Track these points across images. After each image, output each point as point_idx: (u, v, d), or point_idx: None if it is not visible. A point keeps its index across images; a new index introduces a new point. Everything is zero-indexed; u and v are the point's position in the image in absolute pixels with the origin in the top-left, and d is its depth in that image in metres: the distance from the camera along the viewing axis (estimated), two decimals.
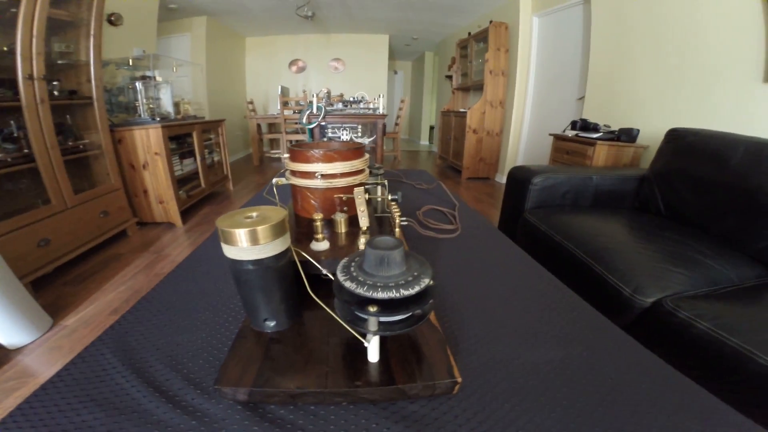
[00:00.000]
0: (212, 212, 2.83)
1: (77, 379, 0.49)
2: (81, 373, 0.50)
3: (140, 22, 3.23)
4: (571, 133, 2.38)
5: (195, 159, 2.85)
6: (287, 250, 0.46)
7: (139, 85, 2.48)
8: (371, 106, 2.64)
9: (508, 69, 3.85)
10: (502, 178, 4.07)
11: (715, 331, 0.75)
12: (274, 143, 5.77)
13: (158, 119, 2.41)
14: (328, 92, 2.70)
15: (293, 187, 0.71)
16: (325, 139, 2.54)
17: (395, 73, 8.50)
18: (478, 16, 4.49)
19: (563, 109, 3.24)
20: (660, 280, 0.95)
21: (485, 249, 0.89)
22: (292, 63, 6.03)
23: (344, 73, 6.11)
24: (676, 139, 1.53)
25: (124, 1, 3.00)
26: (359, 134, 2.58)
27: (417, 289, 0.37)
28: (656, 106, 2.20)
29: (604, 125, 2.32)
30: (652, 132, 2.17)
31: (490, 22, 3.76)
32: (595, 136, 2.18)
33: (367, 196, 0.64)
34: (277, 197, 0.71)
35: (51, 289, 1.74)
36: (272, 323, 0.50)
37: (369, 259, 0.40)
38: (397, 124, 5.14)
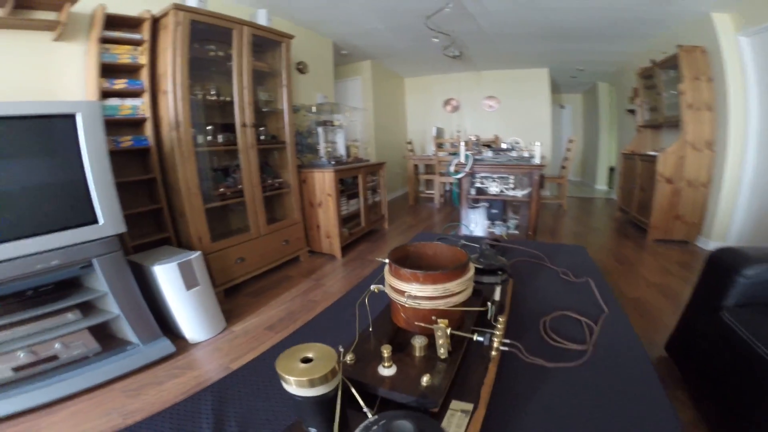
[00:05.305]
0: (367, 249, 3.25)
1: (178, 414, 0.69)
2: (185, 409, 0.71)
3: (321, 68, 4.00)
4: None
5: (359, 199, 3.36)
6: (336, 387, 0.56)
7: (320, 129, 3.11)
8: (525, 154, 2.57)
9: (714, 102, 3.14)
10: (707, 244, 3.24)
11: None
12: (429, 183, 6.16)
13: (333, 162, 2.96)
14: (477, 139, 2.77)
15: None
16: (473, 191, 2.60)
17: (561, 107, 7.94)
18: (657, 40, 3.89)
19: None
20: None
21: (614, 395, 0.71)
22: (446, 102, 6.41)
23: (500, 111, 6.11)
24: None
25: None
26: (511, 186, 2.54)
27: None
28: None
29: None
30: None
31: (679, 46, 3.18)
32: None
33: (449, 330, 0.66)
34: (368, 309, 0.77)
35: (235, 298, 2.31)
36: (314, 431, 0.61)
37: None
38: (563, 167, 4.76)
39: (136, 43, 2.01)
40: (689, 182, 3.31)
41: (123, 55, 1.97)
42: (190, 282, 1.73)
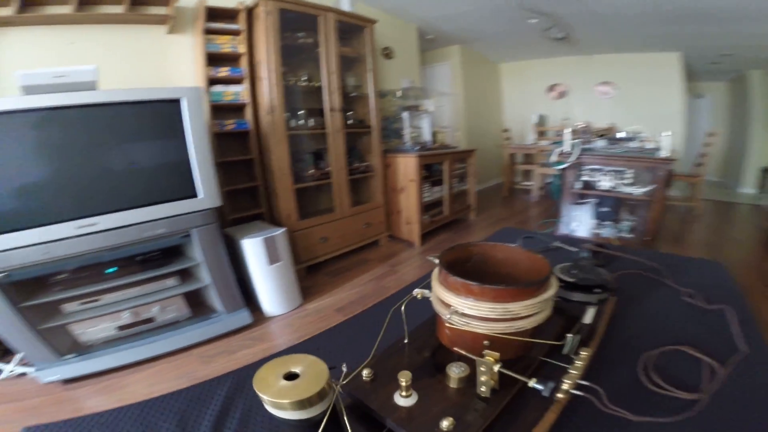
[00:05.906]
0: (448, 239, 3.09)
1: (191, 397, 0.67)
2: (199, 392, 0.68)
3: (406, 53, 3.88)
4: None
5: (443, 187, 3.21)
6: (324, 412, 0.44)
7: (405, 115, 3.02)
8: (649, 145, 2.09)
9: None
10: None
11: None
12: (526, 174, 5.68)
13: (417, 147, 2.85)
14: (587, 126, 2.37)
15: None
16: (578, 184, 2.23)
17: (698, 97, 6.56)
18: None
19: None
20: None
21: None
22: (550, 88, 5.78)
23: (617, 98, 5.28)
24: None
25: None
26: (628, 181, 2.10)
27: None
28: None
29: None
30: None
31: None
32: None
33: (497, 367, 0.49)
34: (405, 319, 0.62)
35: (315, 276, 2.38)
36: None
37: None
38: (699, 164, 3.93)
39: (235, 33, 2.15)
40: None
41: (225, 44, 2.13)
42: (273, 257, 1.81)
